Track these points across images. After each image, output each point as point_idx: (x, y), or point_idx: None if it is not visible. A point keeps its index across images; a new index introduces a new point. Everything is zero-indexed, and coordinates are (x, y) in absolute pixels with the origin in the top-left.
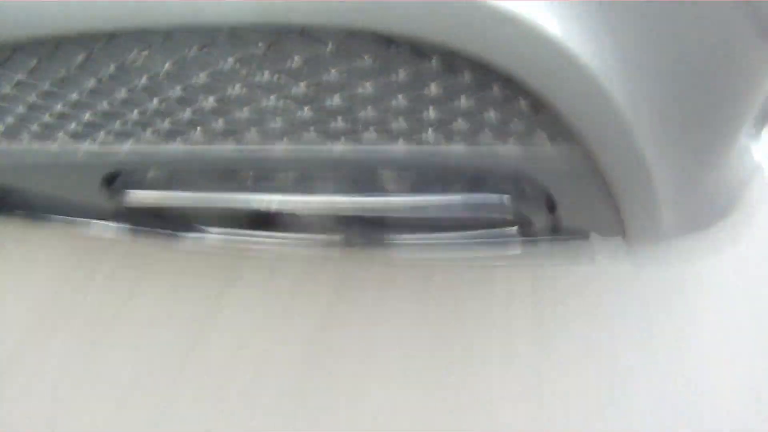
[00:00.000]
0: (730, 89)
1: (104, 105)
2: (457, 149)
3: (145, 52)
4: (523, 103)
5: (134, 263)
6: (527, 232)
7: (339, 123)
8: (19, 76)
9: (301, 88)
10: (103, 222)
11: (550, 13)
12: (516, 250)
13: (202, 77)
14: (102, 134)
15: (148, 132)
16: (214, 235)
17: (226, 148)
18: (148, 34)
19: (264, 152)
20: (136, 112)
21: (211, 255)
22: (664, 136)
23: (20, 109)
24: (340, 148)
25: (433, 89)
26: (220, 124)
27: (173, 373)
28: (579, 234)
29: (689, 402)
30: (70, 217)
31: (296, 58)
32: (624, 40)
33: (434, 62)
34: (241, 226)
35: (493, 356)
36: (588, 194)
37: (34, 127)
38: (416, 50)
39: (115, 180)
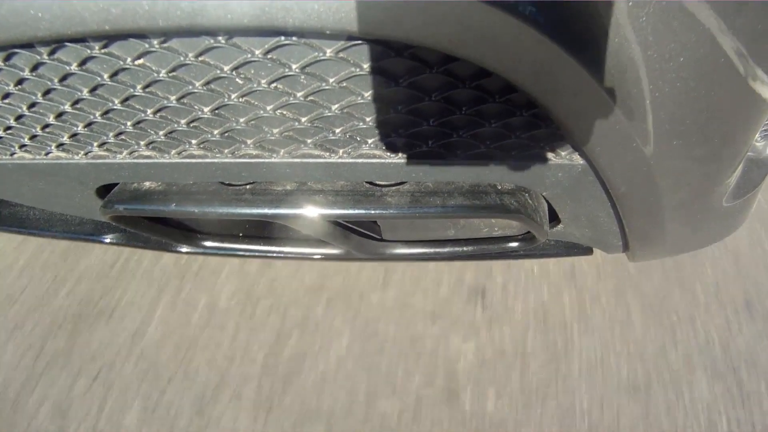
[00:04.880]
0: (739, 100)
1: (97, 116)
2: (458, 162)
3: (140, 61)
4: (525, 116)
5: None
6: (529, 246)
7: (337, 134)
8: (10, 87)
9: (298, 97)
10: (96, 236)
11: (556, 23)
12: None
13: (197, 86)
14: (95, 146)
15: (142, 144)
16: (210, 248)
17: (222, 161)
18: (143, 42)
19: (260, 164)
20: (129, 123)
21: None
22: (671, 150)
23: (10, 120)
24: (337, 160)
25: (434, 100)
26: (215, 135)
27: None
28: (581, 249)
29: None
30: (62, 233)
31: (293, 66)
32: (632, 51)
33: (435, 72)
34: (238, 239)
35: None
36: (591, 210)
37: (25, 140)
38: (417, 59)
39: (108, 192)
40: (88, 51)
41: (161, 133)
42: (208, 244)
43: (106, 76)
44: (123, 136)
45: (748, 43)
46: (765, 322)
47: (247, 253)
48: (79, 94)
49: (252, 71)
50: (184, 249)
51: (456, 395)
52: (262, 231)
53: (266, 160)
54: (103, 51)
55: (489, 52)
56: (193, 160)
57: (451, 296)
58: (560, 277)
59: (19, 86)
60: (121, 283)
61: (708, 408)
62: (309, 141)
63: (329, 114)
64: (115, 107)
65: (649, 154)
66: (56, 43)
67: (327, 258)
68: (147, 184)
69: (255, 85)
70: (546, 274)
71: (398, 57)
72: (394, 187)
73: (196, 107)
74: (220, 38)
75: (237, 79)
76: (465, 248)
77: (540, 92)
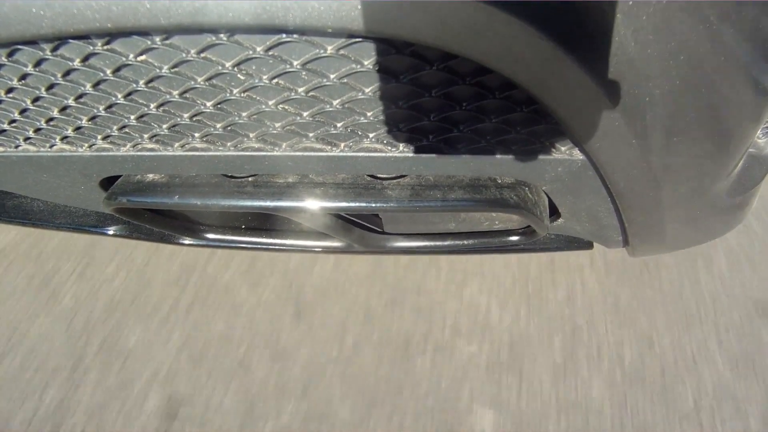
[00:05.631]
0: (740, 97)
1: (101, 110)
2: (458, 156)
3: (142, 57)
4: (525, 112)
5: None
6: (529, 240)
7: (338, 128)
8: (14, 82)
9: (299, 92)
10: (100, 228)
11: (557, 22)
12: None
13: (199, 81)
14: (99, 139)
15: (146, 137)
16: (213, 241)
17: (225, 154)
18: (145, 38)
19: (263, 157)
20: (132, 117)
21: None
22: (671, 146)
23: (15, 114)
24: (338, 154)
25: (434, 96)
26: (218, 128)
27: None
28: (582, 243)
29: None
30: (66, 225)
31: (295, 62)
32: (632, 49)
33: (435, 69)
34: (240, 231)
35: None
36: (591, 205)
37: (30, 132)
38: (418, 56)
39: (112, 184)
40: (91, 47)
41: (164, 126)
42: (211, 236)
43: (108, 71)
44: (127, 130)
45: (753, 39)
46: None
47: (250, 246)
48: (83, 89)
49: (253, 67)
50: (187, 241)
51: None
52: (265, 223)
53: (268, 154)
54: (105, 47)
55: (490, 50)
56: (196, 153)
57: None
58: None
59: (23, 81)
60: None
61: None
62: (311, 135)
63: (330, 109)
64: (118, 102)
65: (649, 150)
66: (59, 40)
67: (328, 251)
68: (150, 176)
69: (257, 81)
70: None
71: (399, 54)
72: (394, 181)
73: (198, 102)
74: (221, 35)
75: (239, 75)
76: (466, 242)
77: (540, 90)
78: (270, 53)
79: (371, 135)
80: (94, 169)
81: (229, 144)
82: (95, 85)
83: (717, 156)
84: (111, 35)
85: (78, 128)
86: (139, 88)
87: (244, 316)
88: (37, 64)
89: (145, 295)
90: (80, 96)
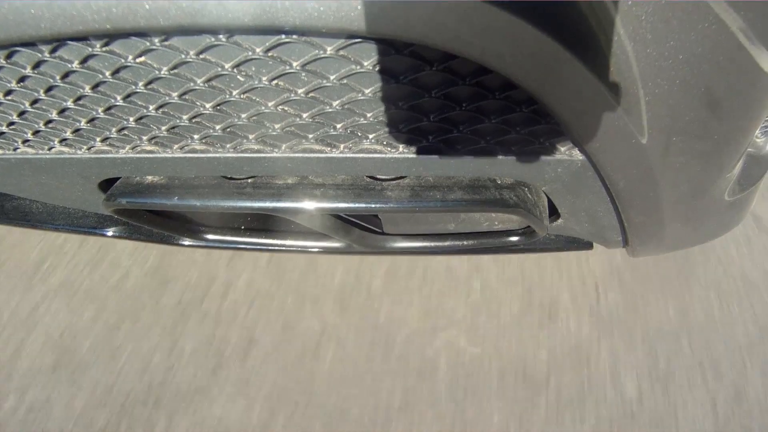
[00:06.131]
0: (739, 97)
1: (99, 112)
2: (458, 157)
3: (141, 58)
4: (525, 112)
5: None
6: (529, 240)
7: (338, 129)
8: (12, 84)
9: (299, 93)
10: (99, 230)
11: (558, 22)
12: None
13: (199, 83)
14: (97, 142)
15: (145, 139)
16: (212, 242)
17: (224, 156)
18: (144, 40)
19: (262, 159)
20: (131, 119)
21: None
22: (671, 146)
23: (13, 116)
24: (338, 155)
25: (434, 96)
26: (217, 130)
27: None
28: (581, 244)
29: None
30: (65, 226)
31: (294, 63)
32: (631, 49)
33: (435, 69)
34: (240, 232)
35: None
36: (590, 205)
37: (28, 135)
38: (417, 57)
39: (111, 185)
40: (90, 49)
41: (163, 128)
42: (210, 237)
43: (107, 73)
44: (125, 132)
45: (756, 36)
46: None
47: (250, 246)
48: (81, 91)
49: (253, 69)
50: (187, 242)
51: None
52: (264, 224)
53: (268, 155)
54: (104, 49)
55: (490, 50)
56: (195, 155)
57: None
58: None
59: (21, 83)
60: None
61: None
62: (310, 136)
63: (330, 110)
64: (117, 103)
65: (649, 150)
66: (57, 41)
67: (328, 251)
68: (149, 177)
69: (256, 82)
70: None
71: (398, 55)
72: (394, 182)
73: (197, 103)
74: (220, 36)
75: (238, 77)
76: (465, 242)
77: (540, 90)
78: (269, 54)
79: (371, 136)
80: (93, 172)
81: (228, 146)
82: (94, 87)
83: (716, 155)
84: (110, 37)
85: (77, 130)
86: (138, 90)
87: None
88: (36, 65)
89: None
90: (79, 98)
